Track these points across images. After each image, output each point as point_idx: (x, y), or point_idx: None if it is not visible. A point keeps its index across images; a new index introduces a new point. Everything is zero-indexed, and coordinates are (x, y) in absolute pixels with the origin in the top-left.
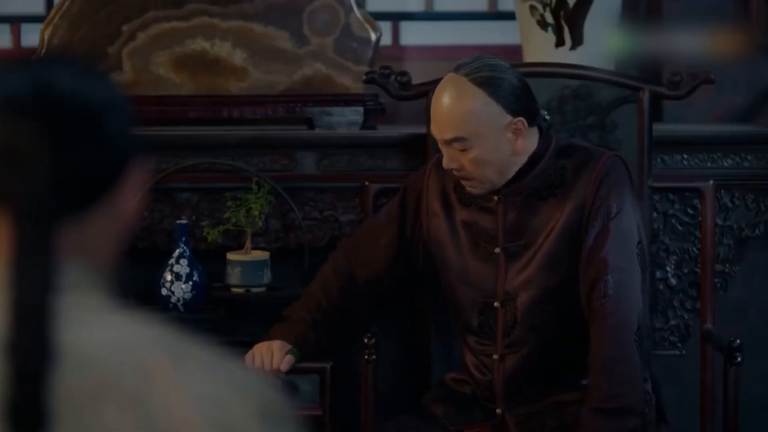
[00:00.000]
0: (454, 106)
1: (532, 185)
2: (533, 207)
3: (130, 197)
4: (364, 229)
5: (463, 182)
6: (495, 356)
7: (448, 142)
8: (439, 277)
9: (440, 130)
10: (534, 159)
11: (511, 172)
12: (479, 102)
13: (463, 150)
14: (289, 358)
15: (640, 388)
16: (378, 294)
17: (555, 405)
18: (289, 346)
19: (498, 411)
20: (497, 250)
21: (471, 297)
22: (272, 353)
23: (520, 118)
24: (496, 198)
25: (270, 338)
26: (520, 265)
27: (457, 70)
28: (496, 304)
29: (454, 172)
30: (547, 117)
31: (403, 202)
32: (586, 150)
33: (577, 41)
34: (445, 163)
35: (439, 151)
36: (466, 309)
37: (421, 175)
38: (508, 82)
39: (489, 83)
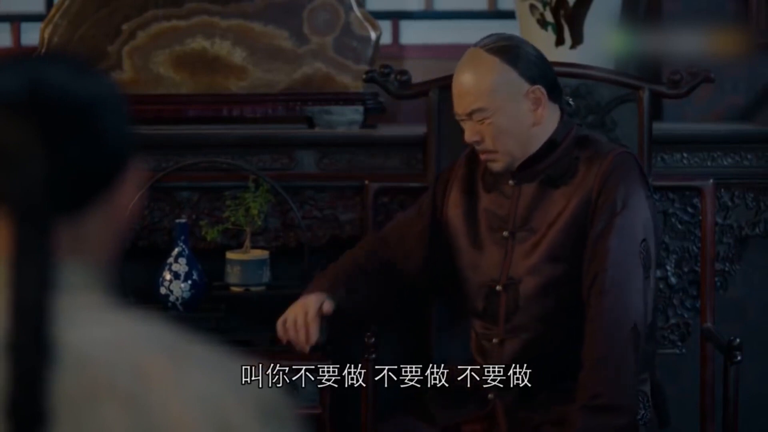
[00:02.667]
0: (471, 78)
1: (546, 171)
2: (544, 194)
3: (128, 195)
4: (395, 225)
5: (484, 157)
6: (495, 340)
7: (469, 115)
8: (452, 262)
9: (460, 104)
10: (551, 145)
11: (533, 145)
12: (496, 69)
13: (483, 121)
14: (329, 304)
15: (630, 386)
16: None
17: (545, 400)
18: (323, 297)
19: (490, 396)
20: (506, 233)
21: (478, 281)
22: (306, 313)
23: (538, 86)
24: (511, 182)
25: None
26: (524, 251)
27: (475, 45)
28: (498, 287)
29: (476, 147)
30: (571, 102)
31: (433, 192)
32: (599, 144)
33: (577, 40)
34: (467, 136)
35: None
36: (473, 293)
37: (451, 167)
38: (524, 50)
39: (505, 51)
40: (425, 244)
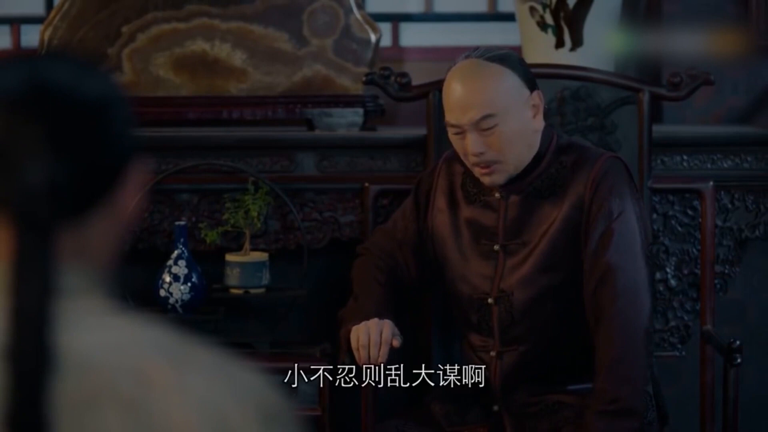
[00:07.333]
0: (477, 85)
1: (534, 184)
2: (533, 205)
3: (131, 197)
4: (385, 230)
5: (484, 171)
6: (493, 353)
7: (476, 123)
8: (442, 273)
9: (465, 113)
10: (537, 157)
11: (532, 154)
12: (503, 76)
13: (490, 129)
14: (398, 341)
15: (642, 389)
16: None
17: (552, 406)
18: (395, 329)
19: (495, 408)
20: (496, 247)
21: (468, 293)
22: (381, 330)
23: (537, 91)
24: (498, 195)
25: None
26: (516, 263)
27: (466, 57)
28: (489, 300)
29: (476, 161)
30: None
31: (416, 198)
32: (586, 149)
33: (577, 42)
34: (473, 148)
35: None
36: (465, 305)
37: (432, 172)
38: (518, 58)
39: (504, 58)
40: (416, 253)
